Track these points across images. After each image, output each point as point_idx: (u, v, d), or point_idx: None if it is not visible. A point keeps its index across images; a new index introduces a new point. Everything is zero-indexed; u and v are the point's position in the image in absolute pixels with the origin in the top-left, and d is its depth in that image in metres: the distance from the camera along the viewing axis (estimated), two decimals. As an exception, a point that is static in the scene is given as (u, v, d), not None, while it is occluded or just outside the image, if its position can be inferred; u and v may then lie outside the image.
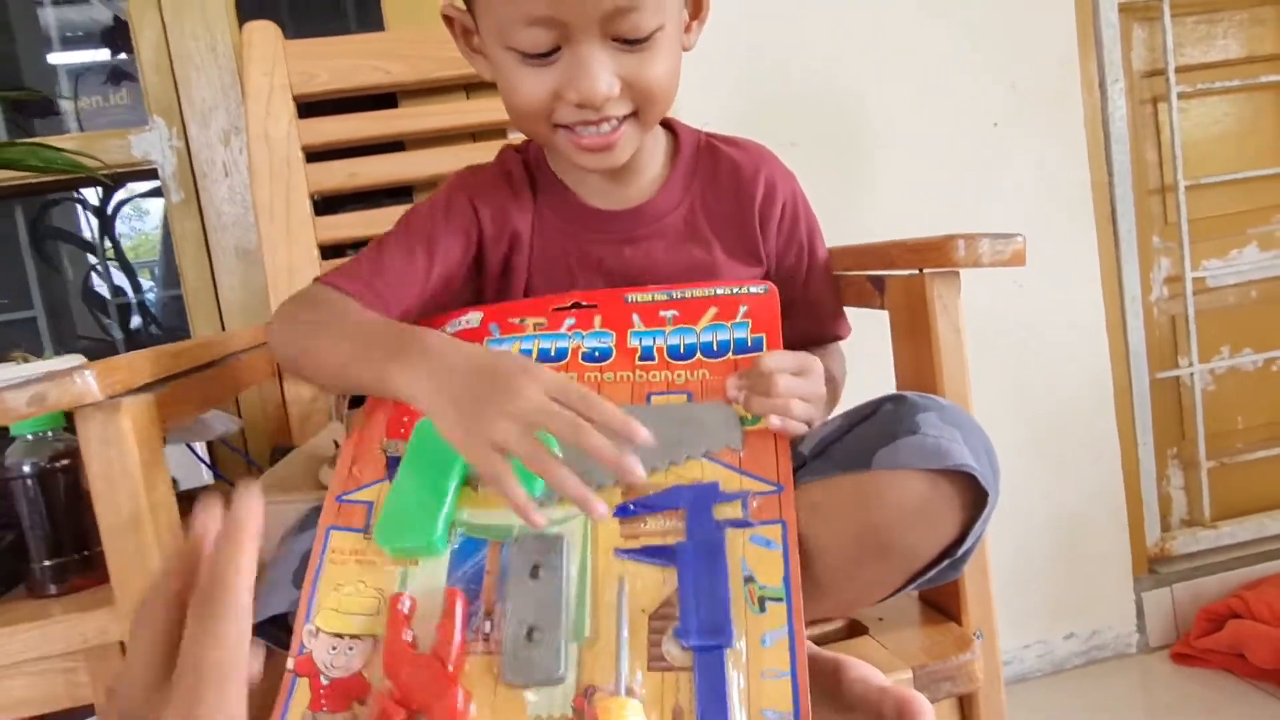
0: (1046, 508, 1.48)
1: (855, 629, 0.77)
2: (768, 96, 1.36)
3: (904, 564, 0.61)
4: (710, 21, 0.76)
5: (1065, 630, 1.51)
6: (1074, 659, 1.51)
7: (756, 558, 0.53)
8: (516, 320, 0.72)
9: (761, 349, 0.66)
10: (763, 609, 0.50)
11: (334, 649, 0.51)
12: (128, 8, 1.24)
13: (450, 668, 0.49)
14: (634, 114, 0.69)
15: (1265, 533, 1.58)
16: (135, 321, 1.57)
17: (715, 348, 0.68)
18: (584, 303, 0.73)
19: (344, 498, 0.59)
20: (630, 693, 0.48)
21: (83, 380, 0.58)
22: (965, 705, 0.74)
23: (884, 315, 0.81)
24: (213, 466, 1.07)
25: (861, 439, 0.61)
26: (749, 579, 0.52)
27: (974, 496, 0.59)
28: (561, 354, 0.69)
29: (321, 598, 0.54)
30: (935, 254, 0.73)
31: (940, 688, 0.70)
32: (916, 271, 0.75)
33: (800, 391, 0.61)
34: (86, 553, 0.81)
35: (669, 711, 0.47)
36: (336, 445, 1.03)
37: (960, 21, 1.42)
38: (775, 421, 0.59)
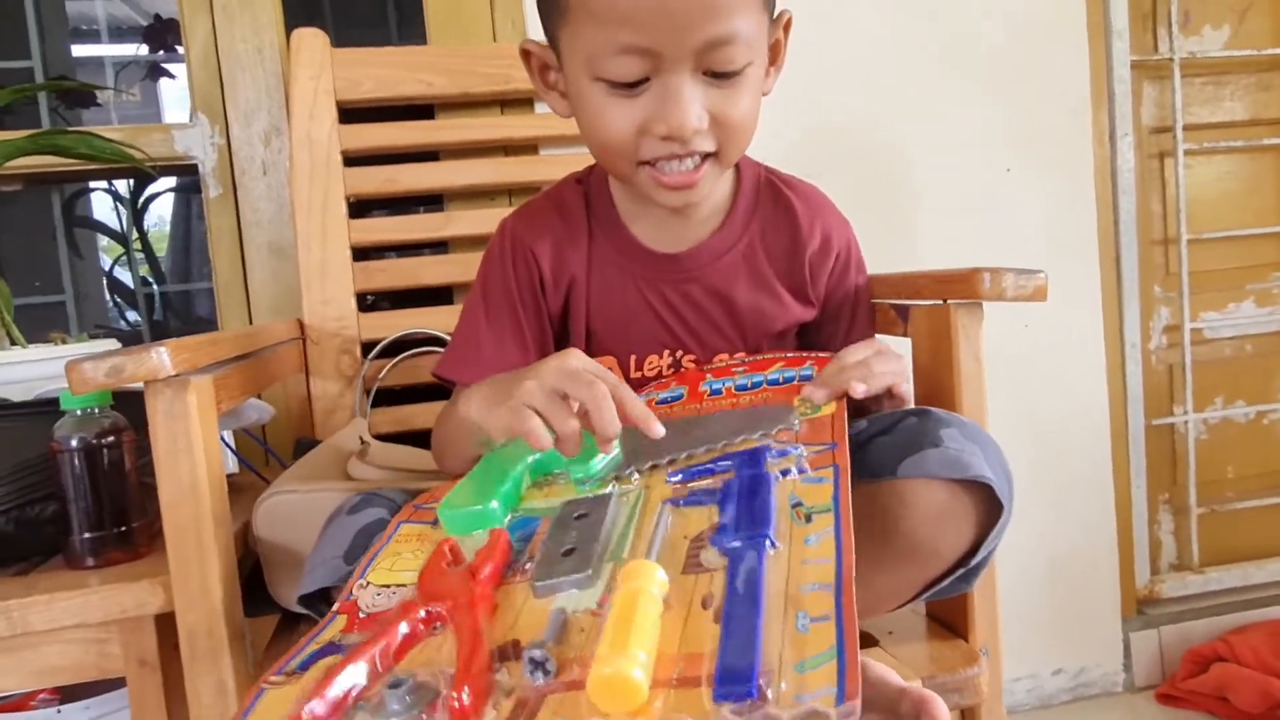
0: (1040, 544, 1.52)
1: (866, 641, 0.80)
2: (795, 132, 1.40)
3: (924, 568, 0.65)
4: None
5: (1054, 665, 1.54)
6: (1061, 694, 1.54)
7: (805, 491, 0.52)
8: None
9: None
10: (809, 521, 0.49)
11: (379, 595, 0.52)
12: (180, 7, 1.28)
13: (480, 581, 0.49)
14: (715, 154, 0.70)
15: (1252, 581, 1.62)
16: (156, 312, 1.60)
17: (780, 381, 0.71)
18: (663, 377, 0.78)
19: (420, 505, 0.62)
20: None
21: (158, 356, 0.61)
22: (967, 717, 0.77)
23: (905, 343, 0.85)
24: (239, 455, 1.09)
25: (884, 449, 0.65)
26: (797, 504, 0.51)
27: (989, 508, 0.63)
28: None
29: (378, 562, 0.56)
30: (961, 286, 0.77)
31: (947, 699, 0.72)
32: (941, 302, 0.79)
33: (883, 366, 0.66)
34: (124, 528, 0.83)
35: (698, 599, 0.44)
36: (362, 441, 1.06)
37: (979, 71, 1.47)
38: (859, 388, 0.63)
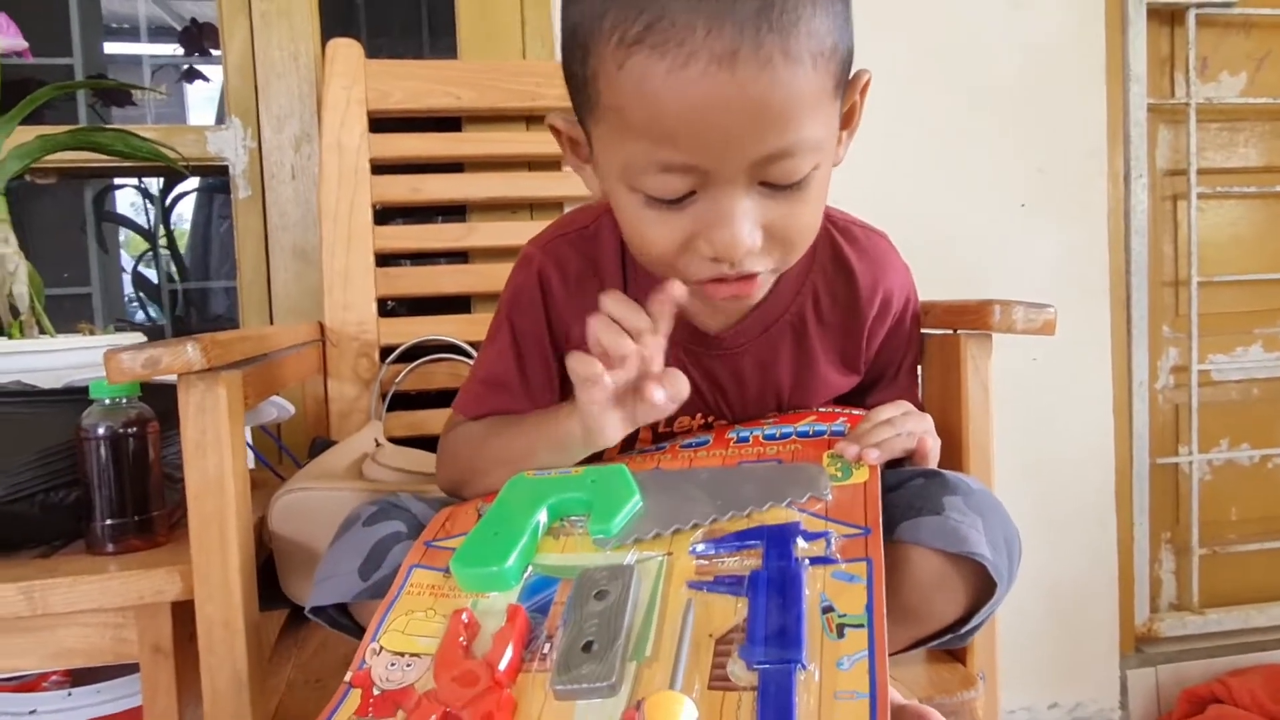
0: (1041, 577, 1.52)
1: (864, 662, 0.81)
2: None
3: (915, 628, 0.65)
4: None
5: (1050, 699, 1.54)
6: (1056, 729, 1.55)
7: (837, 591, 0.50)
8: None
9: None
10: (841, 635, 0.47)
11: (393, 664, 0.51)
12: (219, 12, 1.31)
13: (499, 674, 0.48)
14: (774, 267, 0.61)
15: (1251, 624, 1.62)
16: (179, 308, 1.63)
17: (811, 434, 0.70)
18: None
19: (432, 544, 0.61)
20: None
21: (193, 350, 0.63)
22: (964, 743, 0.78)
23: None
24: (258, 453, 1.11)
25: (889, 508, 0.62)
26: (828, 608, 0.49)
27: (984, 583, 0.63)
28: (660, 448, 0.73)
29: (390, 622, 0.54)
30: (972, 316, 0.78)
31: (944, 723, 0.74)
32: (951, 331, 0.81)
33: (909, 426, 0.65)
34: (145, 517, 0.84)
35: None
36: (378, 443, 1.08)
37: (997, 109, 1.49)
38: (873, 455, 0.61)
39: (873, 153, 1.46)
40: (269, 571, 0.95)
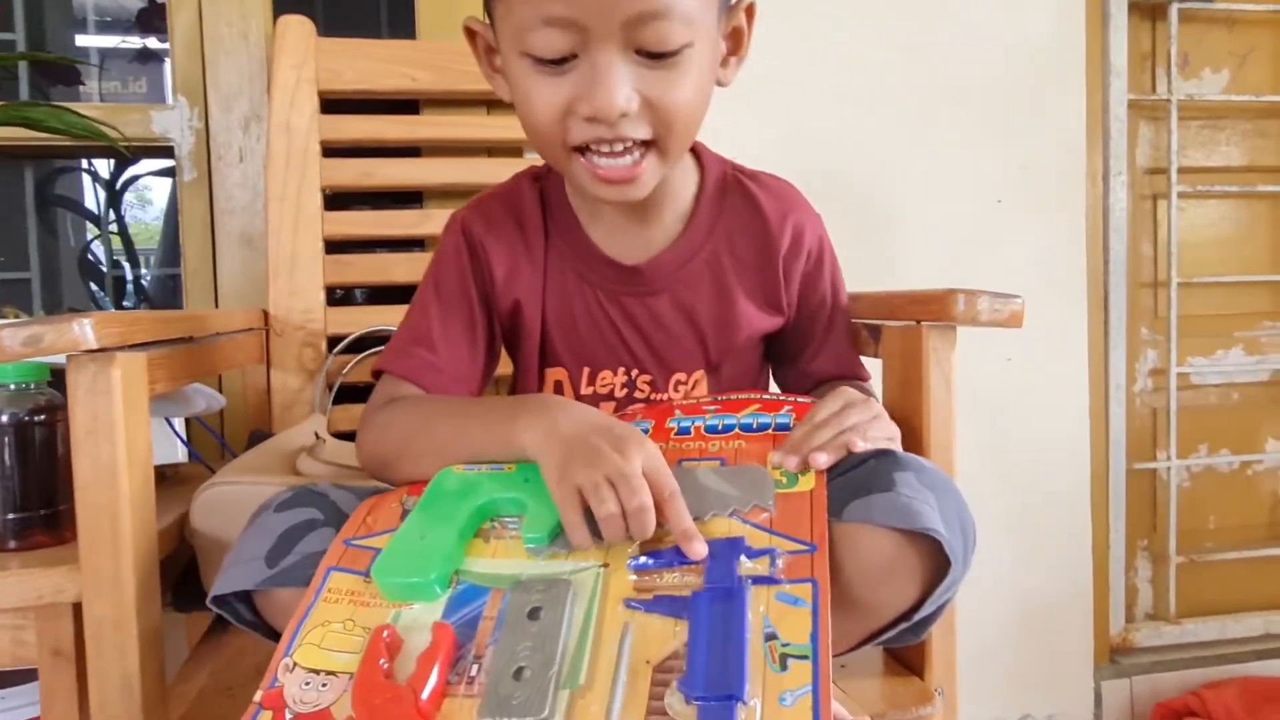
0: (1014, 585, 1.48)
1: (817, 672, 0.77)
2: (784, 159, 1.38)
3: (863, 620, 0.61)
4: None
5: (1022, 710, 1.50)
6: (1028, 741, 1.50)
7: (780, 614, 0.49)
8: None
9: None
10: (784, 667, 0.46)
11: (307, 684, 0.49)
12: (167, -13, 1.26)
13: (422, 702, 0.46)
14: (654, 144, 0.65)
15: (1228, 634, 1.58)
16: (127, 296, 1.57)
17: (755, 427, 0.67)
18: (627, 411, 0.73)
19: (352, 542, 0.58)
20: None
21: (80, 328, 0.58)
22: (920, 760, 0.73)
23: (876, 365, 0.82)
24: (188, 444, 1.06)
25: (840, 489, 0.60)
26: (770, 635, 0.47)
27: (938, 564, 0.58)
28: None
29: (305, 634, 0.51)
30: (936, 307, 0.74)
31: (898, 738, 0.69)
32: (914, 323, 0.76)
33: (856, 418, 0.63)
34: (51, 510, 0.79)
35: None
36: (318, 436, 1.03)
37: (975, 103, 1.46)
38: (821, 459, 0.60)
39: (851, 147, 1.42)
40: (192, 573, 0.90)
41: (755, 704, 0.44)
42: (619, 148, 0.64)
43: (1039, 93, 1.48)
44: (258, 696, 0.48)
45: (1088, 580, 1.51)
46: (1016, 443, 1.48)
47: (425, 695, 0.46)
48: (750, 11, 0.70)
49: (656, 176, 0.68)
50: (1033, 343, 1.46)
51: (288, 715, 0.47)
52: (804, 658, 0.46)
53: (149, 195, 1.72)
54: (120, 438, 0.61)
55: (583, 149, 0.65)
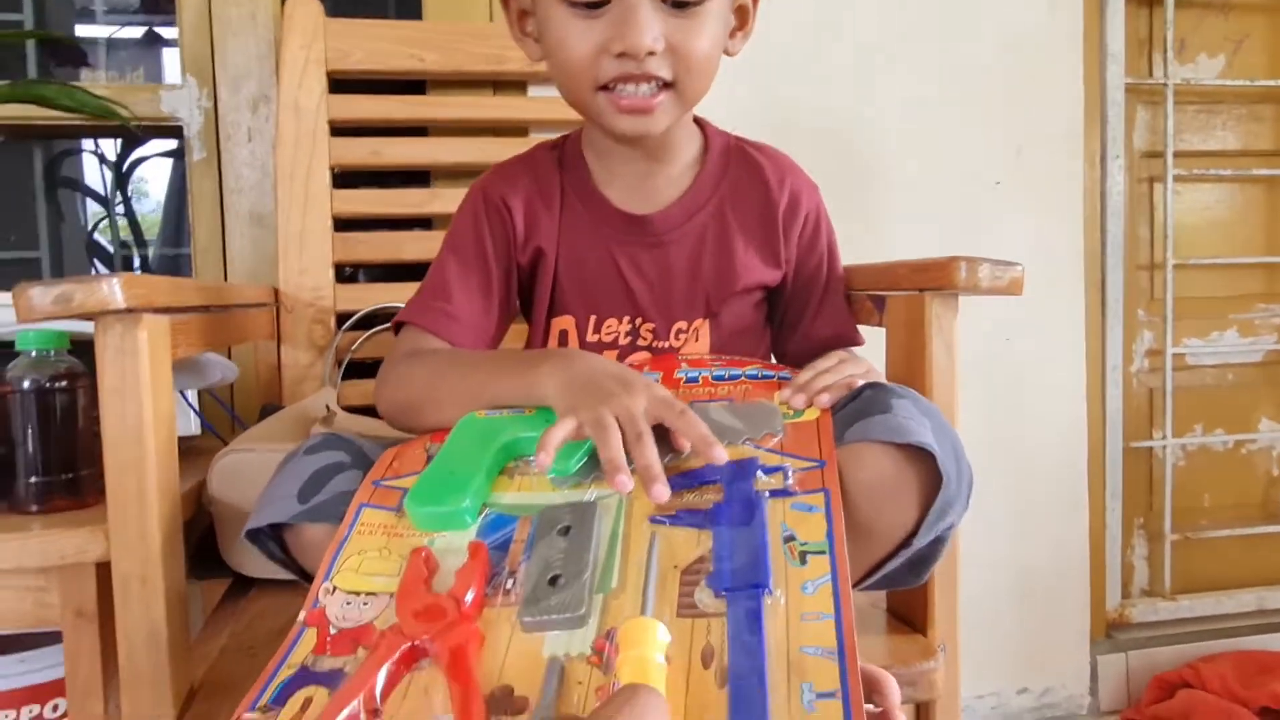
0: (1012, 561, 1.50)
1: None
2: (783, 137, 1.40)
3: (868, 546, 0.63)
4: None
5: (1020, 685, 1.52)
6: (1026, 714, 1.52)
7: (797, 520, 0.52)
8: None
9: None
10: (804, 562, 0.49)
11: (348, 603, 0.51)
12: (176, -33, 1.27)
13: (465, 607, 0.48)
14: (672, 85, 0.72)
15: (1222, 610, 1.61)
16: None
17: (760, 376, 0.71)
18: (633, 364, 0.76)
19: (381, 482, 0.60)
20: None
21: (109, 287, 0.59)
22: (922, 714, 0.75)
23: (879, 334, 0.84)
24: (201, 416, 1.07)
25: (840, 420, 0.64)
26: (789, 537, 0.50)
27: (935, 485, 0.61)
28: None
29: (343, 560, 0.53)
30: (938, 275, 0.76)
31: (901, 692, 0.71)
32: (917, 291, 0.78)
33: (853, 369, 0.69)
34: (72, 475, 0.81)
35: (698, 652, 0.44)
36: (329, 409, 1.04)
37: (974, 85, 1.47)
38: (825, 399, 0.64)
39: (850, 128, 1.44)
40: (210, 540, 0.92)
41: (779, 594, 0.47)
42: (643, 86, 0.71)
43: (1037, 77, 1.50)
44: (301, 616, 0.50)
45: (1084, 557, 1.53)
46: (1015, 422, 1.50)
47: (468, 601, 0.48)
48: None
49: (670, 116, 0.74)
50: (1031, 324, 1.48)
51: (331, 630, 0.49)
52: (821, 552, 0.49)
53: (145, 188, 1.72)
54: (147, 397, 0.62)
55: (608, 87, 0.71)
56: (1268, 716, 1.32)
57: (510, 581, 0.50)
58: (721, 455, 0.55)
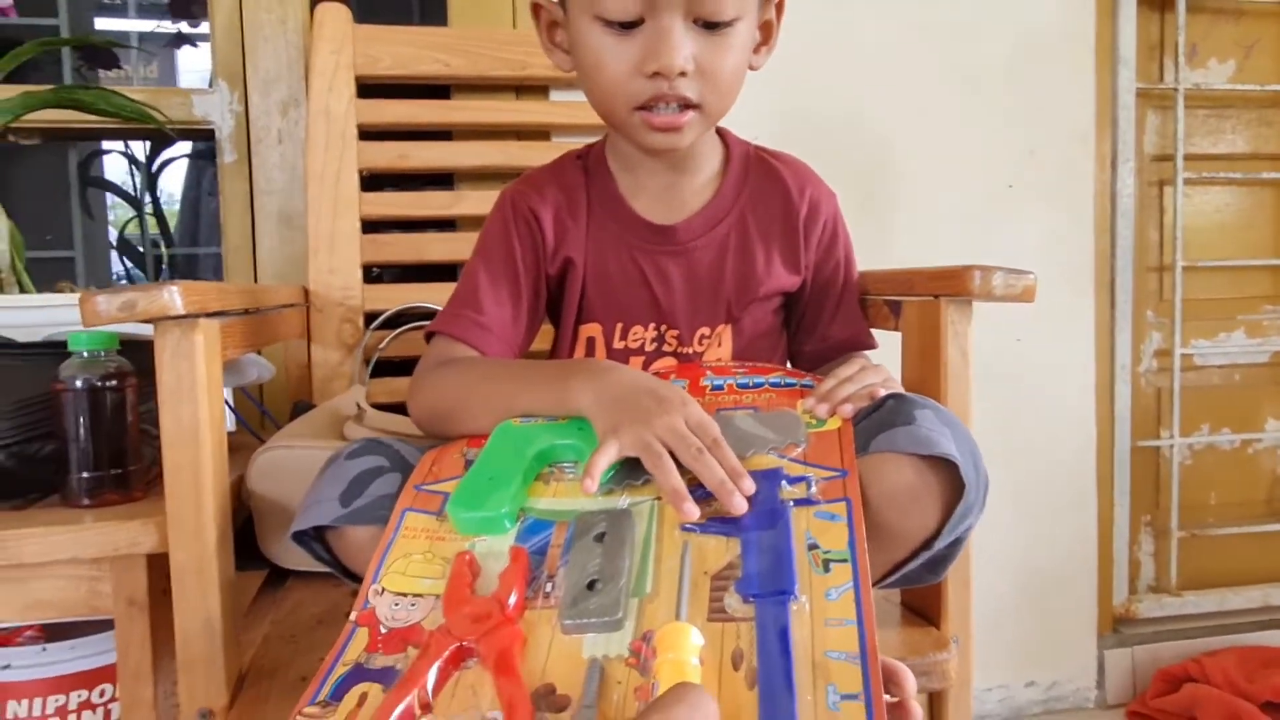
0: (1021, 557, 1.53)
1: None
2: (796, 140, 1.43)
3: (889, 549, 0.66)
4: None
5: (1027, 678, 1.55)
6: (1033, 706, 1.56)
7: (820, 529, 0.54)
8: None
9: None
10: (827, 569, 0.51)
11: (396, 604, 0.53)
12: (208, -25, 1.30)
13: (508, 610, 0.50)
14: (699, 106, 0.74)
15: (1227, 606, 1.63)
16: (163, 275, 1.62)
17: (783, 384, 0.73)
18: (660, 371, 0.78)
19: (422, 487, 0.63)
20: None
21: (169, 294, 0.63)
22: (935, 703, 0.79)
23: (895, 339, 0.87)
24: (237, 414, 1.11)
25: (864, 430, 0.66)
26: (813, 545, 0.53)
27: (956, 491, 0.64)
28: None
29: (390, 564, 0.56)
30: (953, 282, 0.78)
31: (916, 683, 0.74)
32: (932, 298, 0.81)
33: (874, 378, 0.70)
34: (121, 471, 0.84)
35: (729, 654, 0.46)
36: (359, 407, 1.08)
37: (986, 90, 1.50)
38: (848, 409, 0.66)
39: (863, 132, 1.46)
40: (247, 533, 0.95)
41: (804, 599, 0.49)
42: (673, 105, 0.74)
43: (1049, 80, 1.52)
44: (353, 616, 0.53)
45: (1092, 553, 1.56)
46: (1025, 420, 1.52)
47: (511, 604, 0.51)
48: (780, 8, 0.80)
49: (696, 132, 0.77)
50: (1042, 324, 1.51)
51: (382, 629, 0.52)
52: (844, 560, 0.51)
53: (173, 188, 1.76)
54: (203, 398, 0.66)
55: (643, 106, 0.74)
56: (1271, 710, 1.34)
57: (549, 585, 0.53)
58: (741, 505, 0.56)
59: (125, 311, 0.61)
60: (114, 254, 1.67)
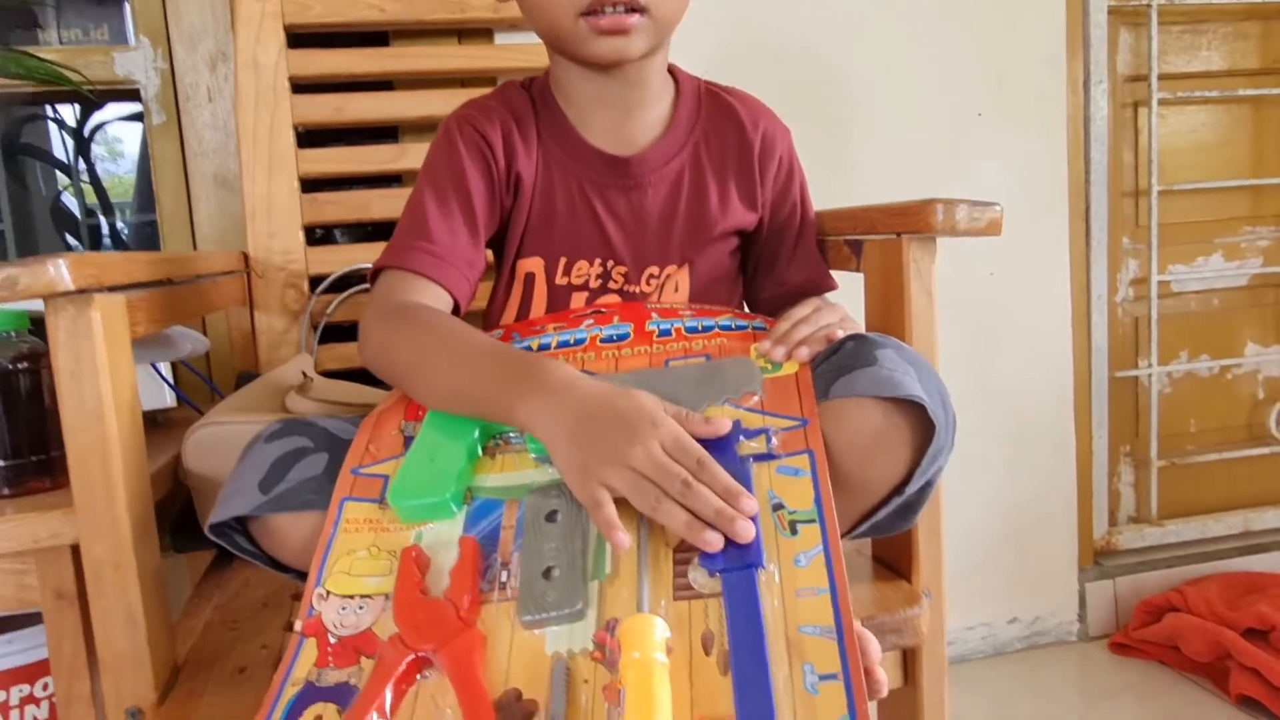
0: (999, 493, 1.51)
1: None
2: (752, 67, 1.36)
3: (856, 498, 0.62)
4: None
5: (1009, 615, 1.54)
6: (1016, 643, 1.55)
7: (784, 486, 0.51)
8: (537, 327, 0.74)
9: None
10: (794, 532, 0.49)
11: (344, 609, 0.50)
12: (119, -79, 1.22)
13: (463, 611, 0.48)
14: (647, 10, 0.71)
15: (1208, 534, 1.62)
16: (103, 244, 1.55)
17: (734, 327, 0.70)
18: (603, 309, 0.75)
19: (360, 470, 0.59)
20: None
21: (55, 268, 0.57)
22: (909, 659, 0.76)
23: (857, 280, 0.82)
24: (175, 389, 1.06)
25: (823, 374, 0.62)
26: (778, 505, 0.50)
27: (925, 434, 0.60)
28: (580, 341, 0.70)
29: (332, 563, 0.53)
30: (914, 218, 0.74)
31: (886, 640, 0.71)
32: (894, 236, 0.77)
33: (831, 318, 0.68)
34: (43, 457, 0.80)
35: (698, 637, 0.44)
36: (305, 375, 1.03)
37: (953, 12, 1.44)
38: (804, 352, 0.64)
39: (826, 62, 1.40)
40: (191, 511, 0.91)
41: (773, 568, 0.47)
42: (620, 8, 0.70)
43: (1017, 2, 1.46)
44: (298, 626, 0.50)
45: (1071, 486, 1.54)
46: (1000, 354, 1.49)
47: (464, 609, 0.48)
48: None
49: (645, 40, 0.73)
50: (1015, 255, 1.47)
51: (331, 639, 0.49)
52: (811, 521, 0.49)
53: (120, 148, 1.68)
54: (104, 380, 0.61)
55: (587, 12, 0.70)
56: (1253, 637, 1.34)
57: (504, 574, 0.50)
58: (748, 532, 0.48)
59: (5, 290, 0.56)
60: (53, 225, 1.60)
